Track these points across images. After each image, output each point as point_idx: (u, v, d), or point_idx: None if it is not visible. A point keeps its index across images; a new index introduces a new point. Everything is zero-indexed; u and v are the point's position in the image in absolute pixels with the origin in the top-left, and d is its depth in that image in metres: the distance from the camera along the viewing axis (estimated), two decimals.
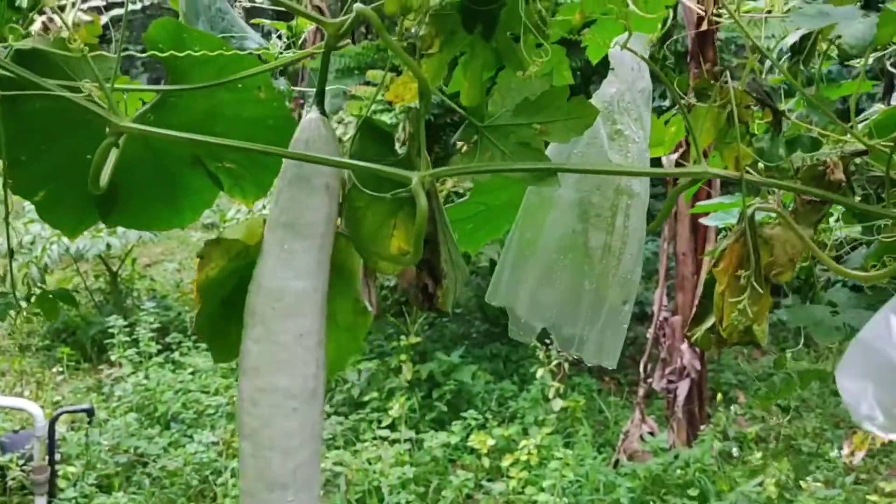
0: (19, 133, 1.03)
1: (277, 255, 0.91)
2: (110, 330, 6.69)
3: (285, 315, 0.90)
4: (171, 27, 0.97)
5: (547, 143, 1.06)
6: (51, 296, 1.19)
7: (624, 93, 1.02)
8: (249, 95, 1.04)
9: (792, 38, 1.10)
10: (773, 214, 1.19)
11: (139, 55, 1.09)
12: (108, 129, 0.92)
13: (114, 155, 0.94)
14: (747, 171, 1.26)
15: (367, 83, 7.13)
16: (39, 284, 6.96)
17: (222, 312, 1.02)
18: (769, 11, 1.14)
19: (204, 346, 7.23)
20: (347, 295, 1.07)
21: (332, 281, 0.97)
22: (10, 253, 1.13)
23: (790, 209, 1.21)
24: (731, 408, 6.14)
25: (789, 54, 1.22)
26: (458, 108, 1.02)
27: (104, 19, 1.09)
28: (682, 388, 5.39)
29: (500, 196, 1.17)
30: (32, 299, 1.19)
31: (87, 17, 1.01)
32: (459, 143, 1.02)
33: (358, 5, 0.90)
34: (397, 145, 1.03)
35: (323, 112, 0.98)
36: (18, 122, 1.02)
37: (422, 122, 0.97)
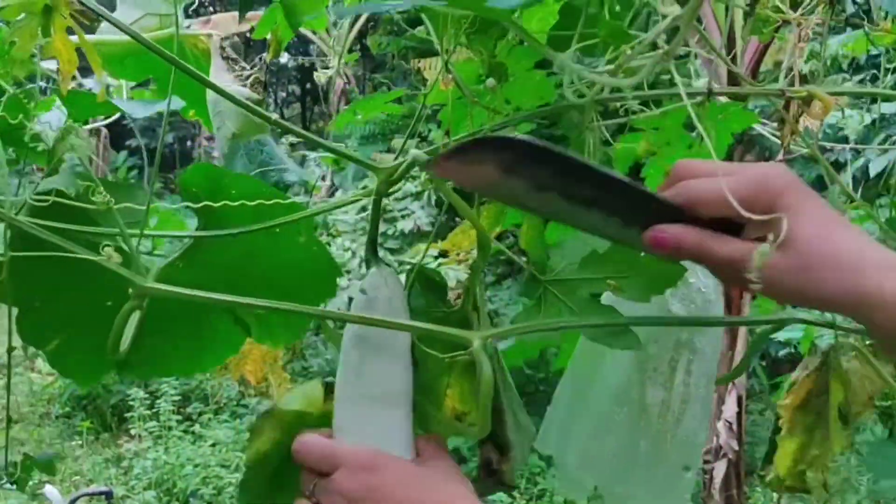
0: (33, 277, 0.95)
1: (372, 435, 0.81)
2: (130, 402, 6.59)
3: None
4: (208, 172, 0.90)
5: None
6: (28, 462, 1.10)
7: None
8: (289, 240, 0.95)
9: (876, 166, 1.00)
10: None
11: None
12: (131, 292, 0.83)
13: (136, 316, 0.85)
14: None
15: (390, 150, 7.10)
16: None
17: (270, 485, 0.91)
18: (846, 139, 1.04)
19: (225, 417, 7.11)
20: None
21: None
22: (8, 420, 1.03)
23: (868, 343, 1.10)
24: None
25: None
26: (515, 258, 0.93)
27: None
28: (719, 469, 5.16)
29: None
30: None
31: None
32: None
33: (414, 151, 0.82)
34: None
35: (378, 261, 0.89)
36: (33, 265, 0.93)
37: (478, 275, 0.87)
